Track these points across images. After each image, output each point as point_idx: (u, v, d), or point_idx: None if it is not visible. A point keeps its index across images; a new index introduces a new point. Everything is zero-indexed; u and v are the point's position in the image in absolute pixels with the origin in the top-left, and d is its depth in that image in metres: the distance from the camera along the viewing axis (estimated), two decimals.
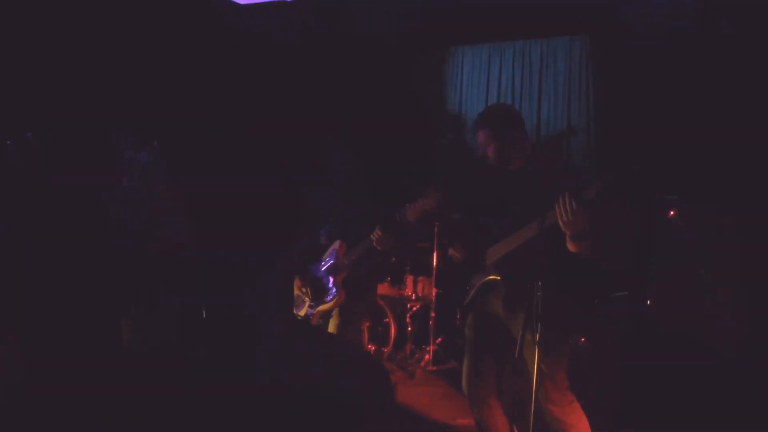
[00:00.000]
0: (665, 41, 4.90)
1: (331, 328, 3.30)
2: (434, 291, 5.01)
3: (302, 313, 3.38)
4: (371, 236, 3.12)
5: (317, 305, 3.32)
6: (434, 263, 4.98)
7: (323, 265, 3.33)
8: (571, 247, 2.56)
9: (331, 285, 3.27)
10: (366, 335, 4.83)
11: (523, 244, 2.69)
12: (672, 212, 4.37)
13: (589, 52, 5.46)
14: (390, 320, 4.92)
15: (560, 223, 2.48)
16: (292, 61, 5.62)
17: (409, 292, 5.11)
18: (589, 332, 4.21)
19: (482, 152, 2.87)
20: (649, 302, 4.37)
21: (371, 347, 4.66)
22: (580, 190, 2.46)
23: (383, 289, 5.05)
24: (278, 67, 5.54)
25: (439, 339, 5.05)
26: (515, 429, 2.96)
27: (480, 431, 2.97)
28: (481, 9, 5.12)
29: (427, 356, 4.92)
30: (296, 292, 3.45)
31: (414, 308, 5.10)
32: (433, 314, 4.97)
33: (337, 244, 3.29)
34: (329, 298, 3.26)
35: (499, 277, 2.83)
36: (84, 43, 4.27)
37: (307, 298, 3.37)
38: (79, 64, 4.24)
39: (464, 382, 2.95)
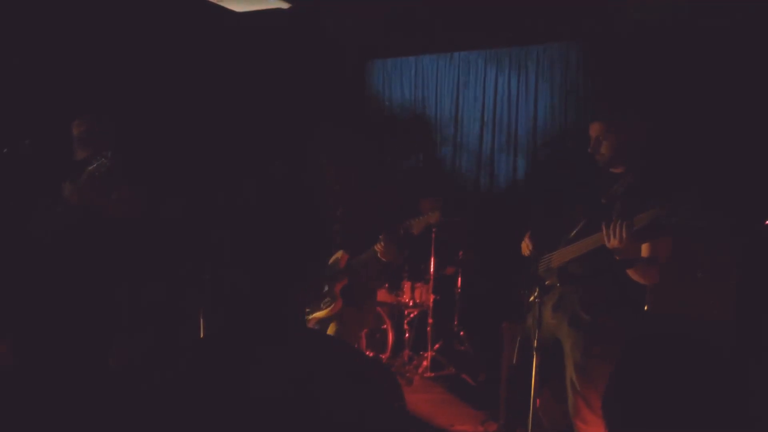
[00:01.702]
0: (661, 46, 4.92)
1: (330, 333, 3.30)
2: (432, 297, 5.00)
3: None
4: (375, 247, 3.13)
5: (313, 311, 3.31)
6: (431, 269, 4.97)
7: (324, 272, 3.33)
8: (631, 275, 2.50)
9: (328, 292, 3.26)
10: (364, 342, 4.82)
11: (587, 254, 2.58)
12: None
13: (586, 57, 5.46)
14: (388, 327, 4.91)
15: (607, 245, 2.40)
16: (287, 65, 5.65)
17: (406, 298, 5.10)
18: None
19: (593, 146, 2.67)
20: (646, 307, 4.36)
21: (369, 354, 4.64)
22: (632, 219, 2.36)
23: (381, 295, 5.03)
24: (273, 69, 5.56)
25: (437, 345, 5.03)
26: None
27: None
28: (478, 14, 5.14)
29: (425, 363, 4.90)
30: None
31: (412, 314, 5.09)
32: (430, 320, 4.96)
33: (339, 253, 3.29)
34: (325, 305, 3.26)
35: (557, 283, 2.75)
36: (84, 47, 4.28)
37: None
38: (78, 66, 4.24)
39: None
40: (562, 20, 5.17)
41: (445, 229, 4.95)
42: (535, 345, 2.52)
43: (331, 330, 3.30)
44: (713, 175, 4.42)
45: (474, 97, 5.97)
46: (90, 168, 3.10)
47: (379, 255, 3.13)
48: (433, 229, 4.89)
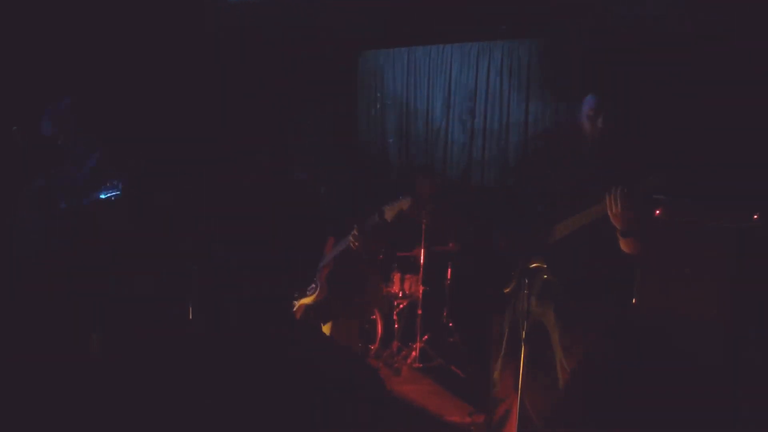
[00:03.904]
0: (654, 40, 4.92)
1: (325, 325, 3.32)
2: (421, 289, 5.01)
3: None
4: (349, 237, 3.13)
5: (300, 297, 3.32)
6: (421, 261, 4.98)
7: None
8: (623, 246, 2.53)
9: (316, 278, 3.27)
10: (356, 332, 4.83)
11: (588, 225, 2.62)
12: (658, 211, 4.39)
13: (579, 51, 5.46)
14: (377, 317, 4.92)
15: (609, 214, 2.45)
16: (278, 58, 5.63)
17: (396, 289, 5.11)
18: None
19: (587, 121, 2.78)
20: (634, 301, 4.38)
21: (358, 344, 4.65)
22: (634, 184, 2.41)
23: None
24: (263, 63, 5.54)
25: (426, 336, 5.05)
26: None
27: (492, 425, 2.98)
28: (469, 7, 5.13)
29: (413, 353, 4.92)
30: None
31: (401, 305, 5.10)
32: (420, 312, 4.97)
33: (330, 240, 3.30)
34: (310, 291, 3.27)
35: (543, 265, 2.77)
36: (75, 40, 4.24)
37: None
38: (65, 53, 4.20)
39: (495, 374, 2.96)
40: (557, 14, 5.16)
41: (437, 219, 4.96)
42: (524, 336, 2.53)
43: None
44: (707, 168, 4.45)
45: (466, 88, 5.96)
46: (100, 195, 3.02)
47: (350, 245, 3.14)
48: (424, 221, 4.89)
